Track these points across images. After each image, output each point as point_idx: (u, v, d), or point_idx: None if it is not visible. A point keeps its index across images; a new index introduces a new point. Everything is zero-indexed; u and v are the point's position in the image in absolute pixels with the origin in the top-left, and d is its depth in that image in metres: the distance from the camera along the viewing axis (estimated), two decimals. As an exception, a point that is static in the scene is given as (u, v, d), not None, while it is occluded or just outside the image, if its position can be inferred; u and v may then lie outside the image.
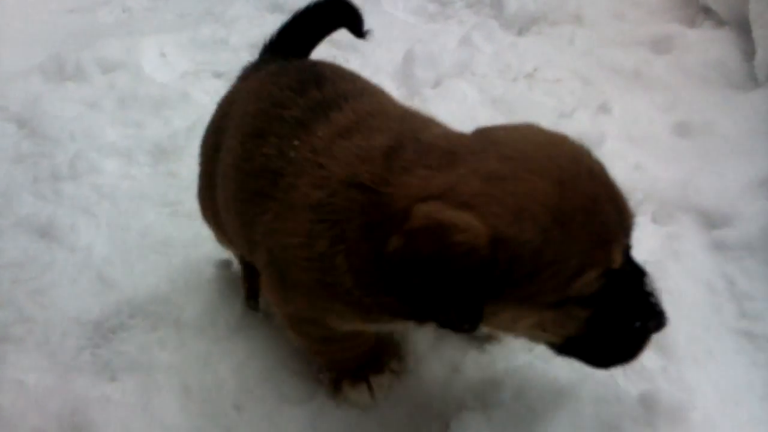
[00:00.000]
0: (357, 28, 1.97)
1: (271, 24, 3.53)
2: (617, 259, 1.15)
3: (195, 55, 3.42)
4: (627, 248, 1.21)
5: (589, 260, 1.11)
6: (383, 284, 1.22)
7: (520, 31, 3.19)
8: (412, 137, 1.29)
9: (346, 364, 1.61)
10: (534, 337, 1.30)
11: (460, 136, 1.29)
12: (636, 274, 1.23)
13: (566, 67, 2.70)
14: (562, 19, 3.04)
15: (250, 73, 1.79)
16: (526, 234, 1.08)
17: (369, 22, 3.32)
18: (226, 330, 1.85)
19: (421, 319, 1.27)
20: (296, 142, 1.40)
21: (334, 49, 3.11)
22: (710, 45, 2.58)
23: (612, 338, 1.22)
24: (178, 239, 2.18)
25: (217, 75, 3.18)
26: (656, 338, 1.28)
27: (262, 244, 1.44)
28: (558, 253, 1.10)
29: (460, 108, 2.65)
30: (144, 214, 2.32)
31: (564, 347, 1.28)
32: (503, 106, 2.56)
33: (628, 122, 2.36)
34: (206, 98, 2.98)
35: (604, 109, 2.42)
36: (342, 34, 3.19)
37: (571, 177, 1.12)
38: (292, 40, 1.92)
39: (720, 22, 2.74)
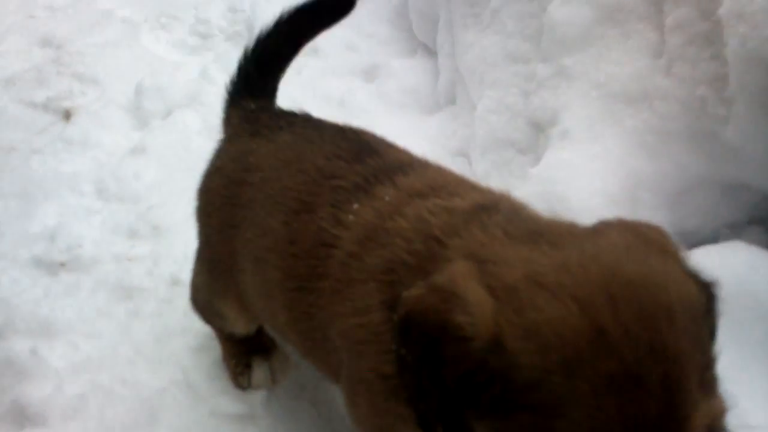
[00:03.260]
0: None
1: (37, 58, 3.59)
2: None
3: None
4: None
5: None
6: None
7: (269, 63, 3.31)
8: (510, 206, 1.14)
9: None
10: None
11: (565, 225, 1.06)
12: None
13: (286, 98, 2.79)
14: (301, 51, 3.18)
15: (260, 128, 1.57)
16: (526, 356, 0.86)
17: (122, 56, 3.41)
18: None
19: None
20: (356, 206, 1.24)
21: (75, 81, 3.15)
22: (410, 73, 2.77)
23: None
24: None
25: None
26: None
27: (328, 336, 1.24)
28: (551, 402, 0.85)
29: (180, 137, 2.74)
30: None
31: None
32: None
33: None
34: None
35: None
36: (85, 66, 3.28)
37: (620, 331, 0.85)
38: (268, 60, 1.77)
39: (430, 53, 2.94)
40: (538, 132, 1.97)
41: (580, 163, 1.78)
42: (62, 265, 2.18)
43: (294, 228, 1.33)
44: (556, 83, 1.93)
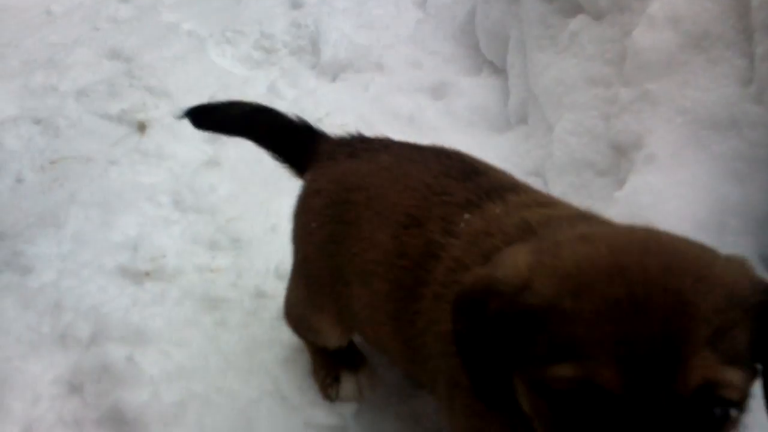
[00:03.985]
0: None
1: (107, 71, 3.69)
2: (606, 377, 0.86)
3: (22, 101, 3.49)
4: (652, 388, 0.85)
5: (575, 352, 0.89)
6: None
7: (334, 78, 3.38)
8: (605, 219, 1.26)
9: None
10: None
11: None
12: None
13: (355, 113, 2.89)
14: (366, 67, 3.24)
15: (357, 151, 1.66)
16: (547, 288, 0.94)
17: (191, 69, 3.51)
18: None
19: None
20: (467, 216, 1.33)
21: (148, 94, 3.25)
22: (478, 91, 2.82)
23: None
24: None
25: (36, 121, 3.25)
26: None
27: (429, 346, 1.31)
28: (560, 323, 0.91)
29: (251, 151, 2.80)
30: None
31: None
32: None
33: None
34: (17, 144, 3.08)
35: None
36: (157, 79, 3.38)
37: (640, 271, 0.89)
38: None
39: (497, 71, 2.98)
40: (620, 155, 2.00)
41: (666, 188, 1.80)
42: (147, 274, 2.25)
43: (403, 241, 1.40)
44: (639, 107, 1.96)
